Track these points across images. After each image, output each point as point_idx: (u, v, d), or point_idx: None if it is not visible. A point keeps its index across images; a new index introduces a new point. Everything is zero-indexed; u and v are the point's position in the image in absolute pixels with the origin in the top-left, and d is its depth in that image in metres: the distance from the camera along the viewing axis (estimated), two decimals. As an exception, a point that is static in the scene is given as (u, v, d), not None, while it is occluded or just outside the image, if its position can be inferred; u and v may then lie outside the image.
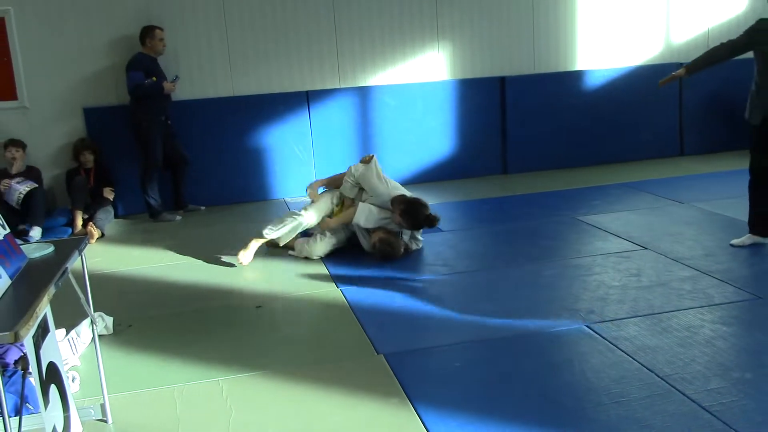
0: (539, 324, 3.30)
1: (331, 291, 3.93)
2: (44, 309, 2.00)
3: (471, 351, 3.09)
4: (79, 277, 2.55)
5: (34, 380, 2.06)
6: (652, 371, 2.76)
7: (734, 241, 4.27)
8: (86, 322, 3.27)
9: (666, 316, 3.32)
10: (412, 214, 4.33)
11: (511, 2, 6.82)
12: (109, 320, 3.50)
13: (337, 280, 4.10)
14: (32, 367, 2.02)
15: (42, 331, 2.16)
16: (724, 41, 4.24)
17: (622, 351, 2.96)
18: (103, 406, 2.63)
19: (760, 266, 3.97)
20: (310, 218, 4.54)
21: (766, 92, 4.03)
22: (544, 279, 3.93)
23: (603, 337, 3.10)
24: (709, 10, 7.27)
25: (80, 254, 2.40)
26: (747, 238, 4.26)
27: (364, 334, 3.30)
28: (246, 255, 4.41)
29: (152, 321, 3.66)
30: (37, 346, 2.09)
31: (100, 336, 3.40)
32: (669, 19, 7.20)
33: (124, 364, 3.15)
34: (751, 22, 4.14)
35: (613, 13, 7.00)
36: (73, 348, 3.18)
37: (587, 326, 3.22)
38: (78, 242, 2.43)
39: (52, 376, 2.20)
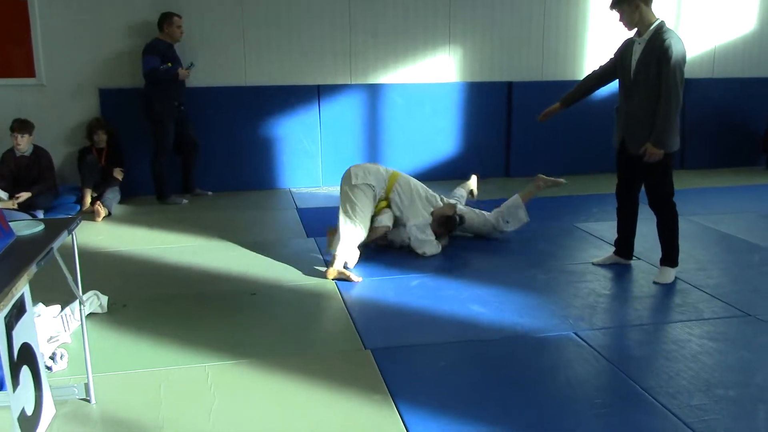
0: (528, 328, 3.30)
1: (325, 283, 3.95)
2: (21, 289, 1.94)
3: (459, 351, 3.09)
4: (72, 256, 2.54)
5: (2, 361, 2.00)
6: (636, 383, 2.74)
7: (595, 261, 4.22)
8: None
9: (653, 328, 3.31)
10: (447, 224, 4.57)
11: (523, 11, 6.80)
12: (104, 299, 3.53)
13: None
14: (2, 348, 1.97)
15: (17, 312, 2.11)
16: (596, 68, 4.07)
17: (608, 360, 2.95)
18: (87, 385, 2.62)
19: (750, 283, 3.93)
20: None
21: (624, 114, 3.84)
22: (537, 283, 3.93)
23: (590, 345, 3.09)
24: (716, 27, 7.17)
25: (70, 234, 2.37)
26: (608, 258, 4.20)
27: (354, 328, 3.32)
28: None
29: (147, 302, 3.69)
30: (9, 327, 2.03)
31: (94, 314, 3.45)
32: (676, 35, 7.14)
33: (114, 344, 3.18)
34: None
35: (622, 26, 6.91)
36: (65, 325, 3.18)
37: (575, 333, 3.22)
38: (68, 222, 2.39)
39: (24, 357, 2.14)
